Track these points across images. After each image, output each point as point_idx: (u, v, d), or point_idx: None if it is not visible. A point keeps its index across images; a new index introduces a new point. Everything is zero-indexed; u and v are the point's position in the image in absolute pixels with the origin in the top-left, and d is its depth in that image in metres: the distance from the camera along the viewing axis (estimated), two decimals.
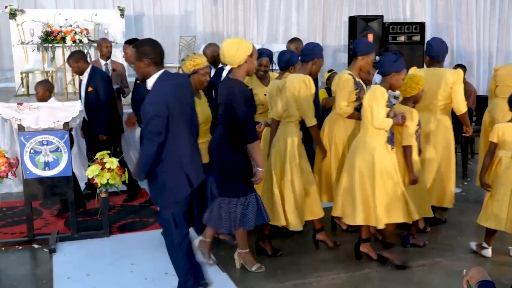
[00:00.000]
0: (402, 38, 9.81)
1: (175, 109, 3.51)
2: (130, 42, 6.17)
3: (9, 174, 5.09)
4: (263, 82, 5.38)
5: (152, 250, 5.00)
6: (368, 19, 9.94)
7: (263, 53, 5.34)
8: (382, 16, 10.15)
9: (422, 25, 10.10)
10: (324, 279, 4.38)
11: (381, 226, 4.41)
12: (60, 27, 8.18)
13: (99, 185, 5.05)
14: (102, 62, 6.74)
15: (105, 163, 5.03)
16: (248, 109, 4.13)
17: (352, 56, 5.05)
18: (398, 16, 11.82)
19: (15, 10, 8.45)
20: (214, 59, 6.10)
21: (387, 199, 4.39)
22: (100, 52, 6.75)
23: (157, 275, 4.47)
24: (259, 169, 4.20)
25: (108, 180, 5.00)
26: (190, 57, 4.62)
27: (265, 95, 5.23)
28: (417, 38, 9.93)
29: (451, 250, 4.95)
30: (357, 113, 4.89)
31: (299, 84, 4.62)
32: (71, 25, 8.24)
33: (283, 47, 10.03)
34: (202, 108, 4.63)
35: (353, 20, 9.98)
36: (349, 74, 4.90)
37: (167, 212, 3.72)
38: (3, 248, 5.07)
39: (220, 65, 5.98)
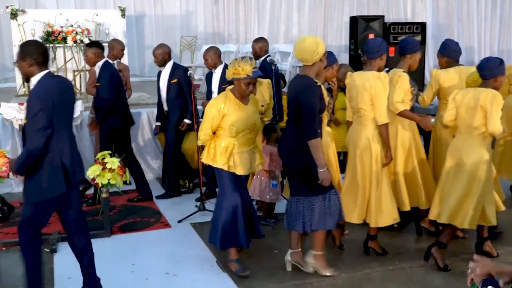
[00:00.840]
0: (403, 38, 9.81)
1: (59, 105, 3.57)
2: (90, 45, 6.25)
3: (10, 174, 5.09)
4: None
5: (153, 250, 5.00)
6: (369, 19, 9.95)
7: None
8: (383, 16, 10.17)
9: (423, 25, 10.11)
10: (325, 279, 4.38)
11: (466, 226, 4.42)
12: (61, 27, 8.20)
13: (100, 185, 5.05)
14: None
15: (106, 163, 5.04)
16: (312, 105, 4.07)
17: (400, 54, 5.03)
18: (399, 16, 11.82)
19: (16, 10, 8.47)
20: (164, 61, 6.33)
21: (482, 203, 4.43)
22: (112, 52, 6.70)
23: (158, 275, 4.47)
24: (319, 170, 4.11)
25: (109, 180, 5.01)
26: (233, 64, 4.29)
27: (262, 106, 5.21)
28: (418, 38, 9.92)
29: (453, 251, 4.94)
30: (409, 113, 4.86)
31: (375, 81, 4.60)
32: (72, 25, 8.26)
33: (284, 47, 10.07)
34: (249, 116, 4.38)
35: (354, 20, 9.99)
36: (404, 72, 4.89)
37: (32, 209, 3.68)
38: (4, 248, 5.07)
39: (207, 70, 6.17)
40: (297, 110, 4.12)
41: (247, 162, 4.41)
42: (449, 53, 5.22)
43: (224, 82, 6.12)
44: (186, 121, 6.38)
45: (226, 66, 6.22)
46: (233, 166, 4.37)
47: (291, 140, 4.22)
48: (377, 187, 4.65)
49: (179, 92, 6.35)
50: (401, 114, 4.83)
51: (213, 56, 6.19)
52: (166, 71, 6.42)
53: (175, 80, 6.31)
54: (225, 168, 4.36)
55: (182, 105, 6.38)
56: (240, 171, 4.39)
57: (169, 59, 6.44)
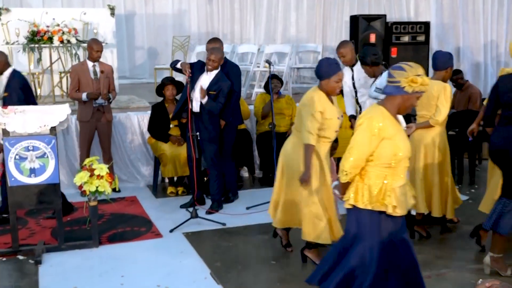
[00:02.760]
0: (406, 39, 9.83)
1: None
2: None
3: None
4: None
5: (143, 261, 4.99)
6: (370, 18, 9.96)
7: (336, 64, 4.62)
8: (385, 15, 10.17)
9: (426, 25, 10.12)
10: None
11: None
12: (47, 26, 8.17)
13: (87, 192, 5.03)
14: (90, 63, 6.68)
15: (94, 169, 5.02)
16: None
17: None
18: (401, 15, 11.84)
19: (0, 8, 8.45)
20: (1, 69, 5.88)
21: None
22: (89, 54, 6.69)
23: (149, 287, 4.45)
24: None
25: (97, 187, 4.99)
26: (413, 71, 3.39)
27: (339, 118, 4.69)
28: (421, 38, 9.94)
29: (458, 261, 4.95)
30: None
31: None
32: (58, 25, 8.23)
33: (281, 48, 10.07)
34: (406, 137, 3.63)
35: (354, 20, 10.00)
36: None
37: None
38: None
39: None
40: None
41: (405, 199, 3.61)
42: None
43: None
44: None
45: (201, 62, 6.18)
46: (397, 205, 3.52)
47: None
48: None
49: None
50: None
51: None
52: (2, 82, 5.87)
53: (6, 94, 5.78)
54: (390, 210, 3.49)
55: None
56: (400, 211, 3.54)
57: (7, 66, 5.93)
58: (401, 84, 3.36)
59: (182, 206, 6.37)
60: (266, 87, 7.55)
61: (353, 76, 6.08)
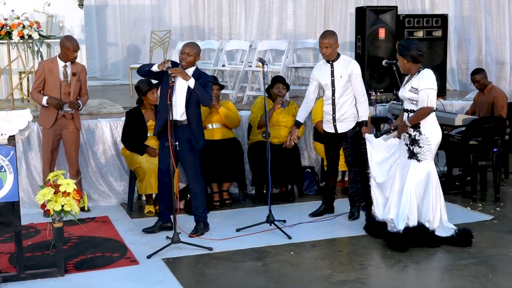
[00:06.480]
0: (420, 34, 9.88)
1: None
2: None
3: None
4: None
5: None
6: (379, 10, 10.00)
7: None
8: (396, 7, 10.21)
9: (444, 18, 10.18)
10: None
11: None
12: (5, 19, 8.18)
13: (51, 212, 5.02)
14: (61, 63, 6.64)
15: (59, 185, 5.01)
16: None
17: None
18: (415, 7, 11.92)
19: None
20: None
21: None
22: (64, 55, 6.62)
23: None
24: None
25: (63, 206, 4.98)
26: None
27: None
28: (438, 33, 10.00)
29: None
30: None
31: None
32: (18, 17, 8.24)
33: (277, 44, 10.12)
34: None
35: (361, 12, 10.04)
36: None
37: None
38: None
39: None
40: None
41: None
42: None
43: None
44: None
45: None
46: None
47: None
48: None
49: None
50: None
51: None
52: None
53: None
54: None
55: None
56: None
57: None
58: None
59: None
60: (268, 90, 7.51)
61: (332, 72, 6.23)
